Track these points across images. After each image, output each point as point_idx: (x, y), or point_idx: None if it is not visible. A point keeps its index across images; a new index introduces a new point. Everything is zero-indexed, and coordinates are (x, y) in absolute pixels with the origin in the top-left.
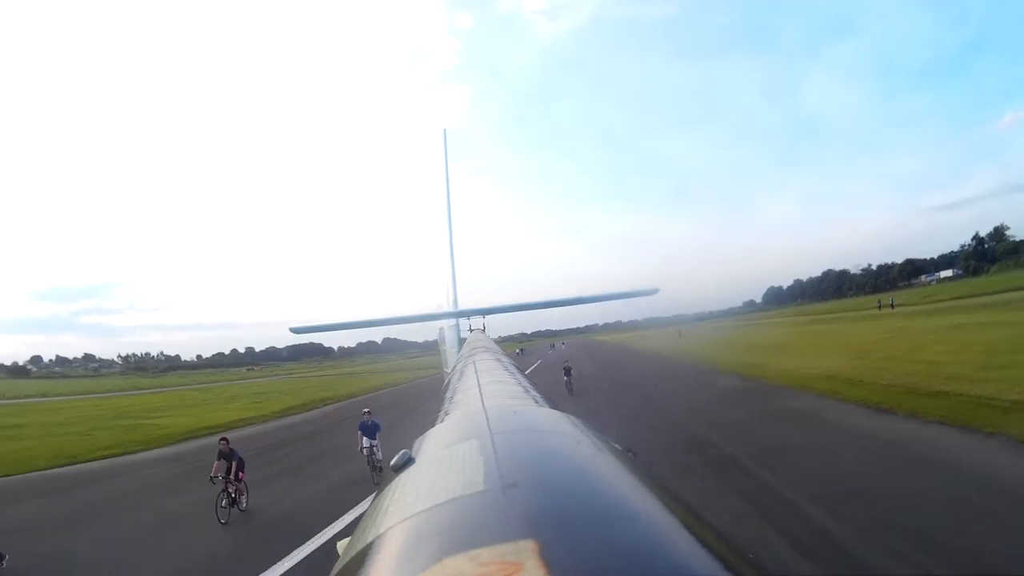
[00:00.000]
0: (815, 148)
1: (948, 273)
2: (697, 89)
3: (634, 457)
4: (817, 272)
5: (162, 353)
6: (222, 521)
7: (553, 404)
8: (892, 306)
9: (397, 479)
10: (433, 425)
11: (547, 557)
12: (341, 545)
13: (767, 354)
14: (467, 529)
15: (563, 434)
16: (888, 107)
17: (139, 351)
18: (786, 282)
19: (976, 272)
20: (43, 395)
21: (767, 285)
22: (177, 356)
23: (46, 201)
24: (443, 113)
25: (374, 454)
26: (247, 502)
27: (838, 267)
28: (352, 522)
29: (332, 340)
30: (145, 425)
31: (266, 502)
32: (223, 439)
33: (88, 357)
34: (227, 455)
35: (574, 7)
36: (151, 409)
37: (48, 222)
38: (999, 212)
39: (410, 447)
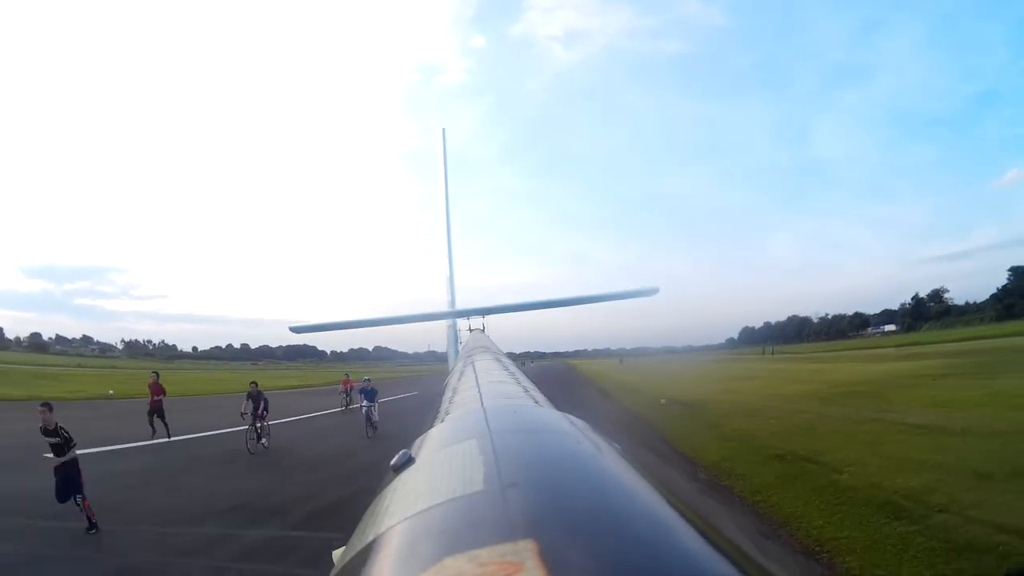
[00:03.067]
0: (816, 193)
1: (892, 327)
2: (703, 127)
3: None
4: (793, 315)
5: (163, 342)
6: (251, 452)
7: (553, 404)
8: (772, 352)
9: (397, 479)
10: (433, 425)
11: (547, 557)
12: (336, 555)
13: (633, 375)
14: (467, 529)
15: (563, 434)
16: (891, 157)
17: (132, 337)
18: (759, 323)
19: (911, 328)
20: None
21: (747, 324)
22: (174, 346)
23: (50, 179)
24: (447, 127)
25: (371, 413)
26: (268, 443)
27: (820, 313)
28: (348, 530)
29: (326, 344)
30: None
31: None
32: (253, 383)
33: (86, 339)
34: (255, 396)
35: (589, 37)
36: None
37: (50, 199)
38: (994, 267)
39: (410, 447)
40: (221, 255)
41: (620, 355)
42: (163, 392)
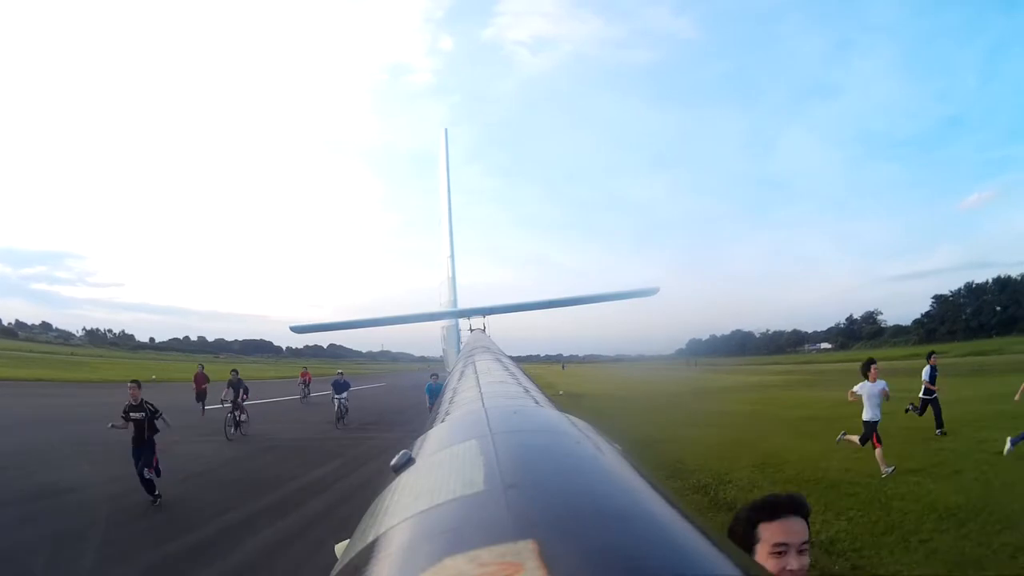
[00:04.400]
0: (778, 206)
1: (827, 345)
2: (669, 137)
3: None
4: (737, 329)
5: (124, 331)
6: (229, 438)
7: (553, 404)
8: (695, 364)
9: (397, 479)
10: (433, 425)
11: (547, 557)
12: (339, 548)
13: (562, 375)
14: (467, 529)
15: (563, 434)
16: (856, 174)
17: (87, 326)
18: (707, 335)
19: (844, 347)
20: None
21: (703, 335)
22: (132, 336)
23: (8, 160)
24: (414, 126)
25: (342, 405)
26: (246, 429)
27: (762, 328)
28: (350, 524)
29: (281, 341)
30: None
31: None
32: (233, 371)
33: (46, 325)
34: (235, 384)
35: (556, 44)
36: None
37: (8, 181)
38: (954, 288)
39: (410, 447)
40: (179, 245)
41: (568, 360)
42: (207, 380)
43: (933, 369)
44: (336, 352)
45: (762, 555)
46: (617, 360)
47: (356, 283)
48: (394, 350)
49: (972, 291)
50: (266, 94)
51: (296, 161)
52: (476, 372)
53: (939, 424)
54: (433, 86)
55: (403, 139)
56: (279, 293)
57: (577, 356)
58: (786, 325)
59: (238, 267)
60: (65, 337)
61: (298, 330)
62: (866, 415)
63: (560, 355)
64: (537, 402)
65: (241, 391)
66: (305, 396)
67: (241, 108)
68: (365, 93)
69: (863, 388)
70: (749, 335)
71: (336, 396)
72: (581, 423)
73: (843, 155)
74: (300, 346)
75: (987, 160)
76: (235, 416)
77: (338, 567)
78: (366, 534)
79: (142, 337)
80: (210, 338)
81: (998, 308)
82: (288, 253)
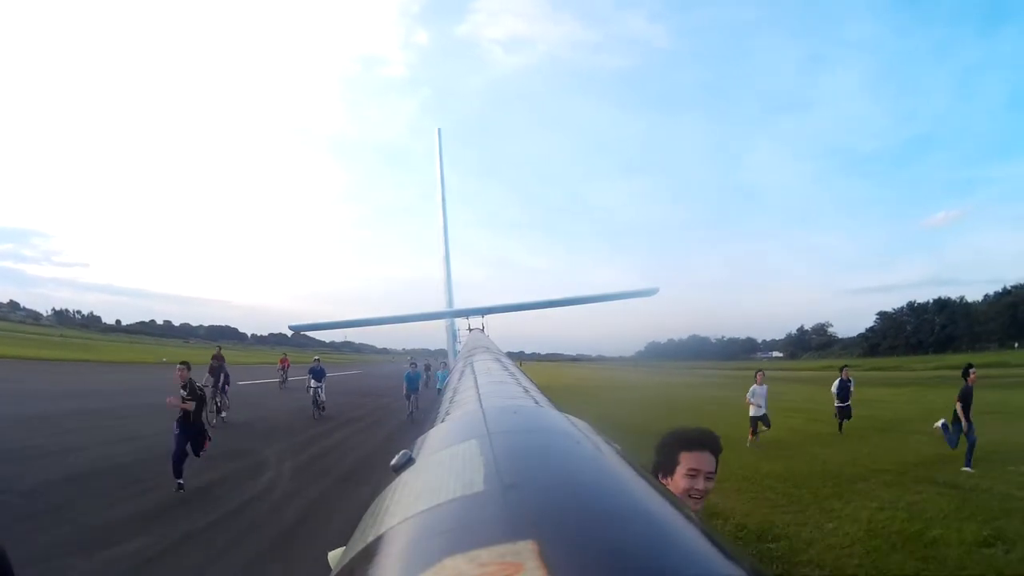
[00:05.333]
0: (744, 215)
1: (779, 354)
2: (639, 141)
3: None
4: (695, 334)
5: (92, 312)
6: (211, 424)
7: (553, 404)
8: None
9: (397, 479)
10: (433, 425)
11: (547, 557)
12: (332, 556)
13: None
14: (467, 529)
15: (562, 434)
16: (823, 187)
17: (51, 305)
18: (666, 339)
19: (793, 356)
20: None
21: (662, 338)
22: (99, 318)
23: None
24: (385, 118)
25: (318, 394)
26: (227, 415)
27: (718, 335)
28: (344, 532)
29: (246, 328)
30: None
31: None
32: (215, 356)
33: (13, 304)
34: (217, 369)
35: (531, 44)
36: None
37: None
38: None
39: (410, 447)
40: (143, 227)
41: (529, 358)
42: (223, 361)
43: (843, 382)
44: (300, 341)
45: (677, 476)
46: (575, 360)
47: (321, 271)
48: (356, 341)
49: (914, 309)
50: (235, 78)
51: (262, 147)
52: (475, 372)
53: (839, 426)
54: (406, 79)
55: (373, 130)
56: (243, 279)
57: (539, 354)
58: (744, 332)
59: (202, 251)
60: (34, 317)
61: (296, 328)
62: (752, 412)
63: (521, 352)
64: (536, 402)
65: (223, 376)
66: (284, 381)
67: (209, 90)
68: (336, 82)
69: (757, 392)
70: (706, 340)
71: (313, 384)
72: (581, 423)
73: (811, 168)
74: (265, 333)
75: (955, 180)
76: (216, 403)
77: (338, 566)
78: (366, 534)
79: (108, 319)
80: (176, 322)
81: (937, 327)
82: (252, 239)
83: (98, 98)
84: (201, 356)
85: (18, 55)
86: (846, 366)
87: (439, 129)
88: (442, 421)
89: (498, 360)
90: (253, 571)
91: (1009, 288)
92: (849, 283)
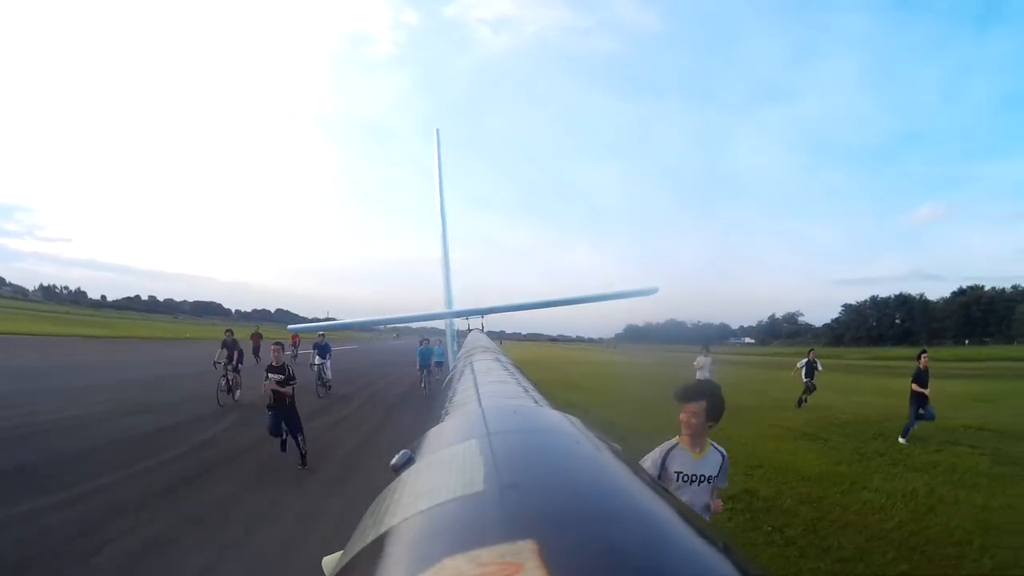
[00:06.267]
0: (726, 201)
1: (750, 340)
2: (625, 124)
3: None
4: (671, 319)
5: (80, 288)
6: (220, 404)
7: (553, 404)
8: (614, 348)
9: (397, 479)
10: (433, 425)
11: (547, 557)
12: (327, 562)
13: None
14: (467, 529)
15: (562, 434)
16: (807, 178)
17: (36, 280)
18: (643, 322)
19: (764, 343)
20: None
21: (640, 321)
22: (84, 293)
23: None
24: (372, 103)
25: (324, 371)
26: (240, 395)
27: (694, 320)
28: (339, 537)
29: (233, 304)
30: None
31: None
32: (228, 331)
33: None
34: (230, 345)
35: (519, 25)
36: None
37: None
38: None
39: (410, 447)
40: (127, 201)
41: (510, 337)
42: (261, 338)
43: (810, 363)
44: (283, 317)
45: (682, 416)
46: (555, 340)
47: (305, 248)
48: (340, 318)
49: (876, 304)
50: (222, 53)
51: (248, 124)
52: (475, 372)
53: (801, 400)
54: (395, 58)
55: (360, 108)
56: (226, 256)
57: (520, 333)
58: (720, 318)
59: (185, 228)
60: (22, 293)
61: (294, 330)
62: (703, 372)
63: (502, 332)
64: (536, 402)
65: (236, 354)
66: (295, 357)
67: (195, 65)
68: (325, 60)
69: (701, 361)
70: (681, 325)
71: (318, 361)
72: (580, 423)
73: (796, 158)
74: (249, 310)
75: (941, 176)
76: (228, 380)
77: (339, 566)
78: (366, 533)
79: (93, 295)
80: (160, 298)
81: (897, 321)
82: (235, 216)
83: (83, 73)
84: (196, 332)
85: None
86: (812, 349)
87: (437, 130)
88: (442, 421)
89: (498, 360)
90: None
91: (964, 288)
92: (831, 274)
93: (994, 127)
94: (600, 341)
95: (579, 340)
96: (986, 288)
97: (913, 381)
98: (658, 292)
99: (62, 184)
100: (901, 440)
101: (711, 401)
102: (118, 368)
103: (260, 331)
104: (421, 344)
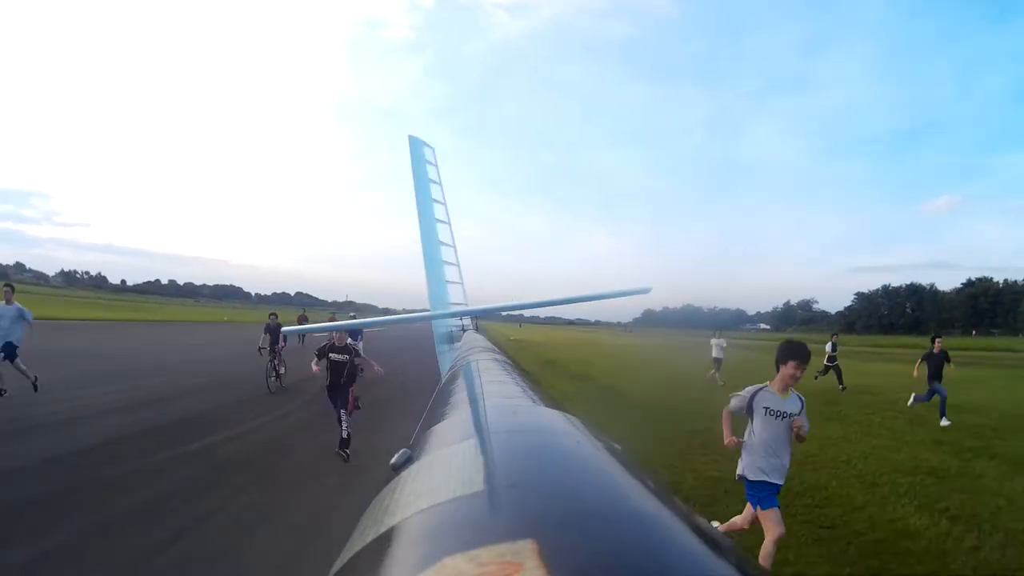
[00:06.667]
0: (743, 189)
1: (766, 326)
2: (640, 111)
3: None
4: (688, 304)
5: (100, 273)
6: (271, 391)
7: (553, 404)
8: (629, 330)
9: (397, 479)
10: (433, 425)
11: (547, 557)
12: None
13: (508, 331)
14: (467, 529)
15: (563, 434)
16: (823, 165)
17: (54, 266)
18: (660, 307)
19: (778, 329)
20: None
21: (658, 306)
22: (104, 278)
23: None
24: (388, 87)
25: (356, 353)
26: (286, 381)
27: (710, 305)
28: (335, 541)
29: (250, 287)
30: None
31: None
32: (272, 314)
33: (19, 266)
34: (274, 330)
35: (535, 9)
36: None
37: None
38: (908, 281)
39: (409, 446)
40: (143, 185)
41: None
42: (307, 322)
43: (834, 345)
44: (302, 300)
45: (785, 370)
46: (571, 324)
47: (318, 231)
48: (359, 300)
49: (888, 293)
50: (236, 36)
51: (263, 107)
52: (475, 371)
53: (840, 382)
54: (410, 42)
55: (375, 93)
56: (244, 239)
57: (538, 317)
58: (736, 304)
59: (202, 212)
60: (44, 279)
61: (288, 332)
62: (715, 351)
63: (520, 315)
64: (536, 401)
65: (281, 338)
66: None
67: (208, 46)
68: (340, 44)
69: (714, 342)
70: (698, 310)
71: (350, 342)
72: (580, 422)
73: (812, 146)
74: (268, 293)
75: (958, 166)
76: (274, 366)
77: (338, 565)
78: (366, 533)
79: (113, 279)
80: (180, 281)
81: (908, 310)
82: (252, 199)
83: (99, 58)
84: (211, 315)
85: (13, 18)
86: (836, 334)
87: (432, 146)
88: (442, 420)
89: (497, 359)
90: None
91: (973, 280)
92: (848, 262)
93: (1011, 119)
94: (618, 325)
95: (597, 324)
96: (997, 280)
97: (922, 358)
98: (651, 291)
99: (79, 169)
100: (911, 401)
101: (808, 363)
102: (195, 348)
103: (306, 314)
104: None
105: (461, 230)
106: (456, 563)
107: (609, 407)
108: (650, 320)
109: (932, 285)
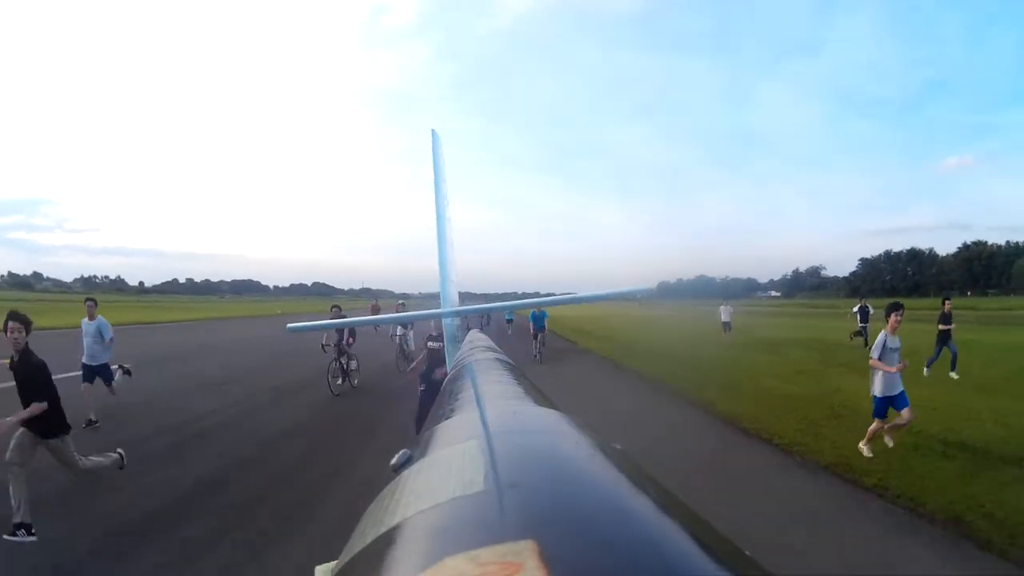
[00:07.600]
0: (755, 157)
1: (776, 293)
2: (650, 84)
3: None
4: (702, 275)
5: (119, 276)
6: (335, 393)
7: (553, 404)
8: (640, 302)
9: (397, 479)
10: (433, 425)
11: (547, 557)
12: (320, 572)
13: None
14: (467, 529)
15: (563, 434)
16: (833, 130)
17: (68, 272)
18: (674, 279)
19: (789, 295)
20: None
21: (672, 278)
22: (124, 281)
23: None
24: (396, 70)
25: (406, 342)
26: (358, 380)
27: (723, 275)
28: (333, 545)
29: (269, 280)
30: None
31: None
32: (335, 306)
33: (37, 276)
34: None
35: None
36: None
37: None
38: (925, 244)
39: (409, 447)
40: (148, 184)
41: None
42: (379, 310)
43: (863, 308)
44: (320, 290)
45: (893, 319)
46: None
47: (330, 220)
48: (374, 287)
49: (890, 258)
50: (237, 31)
51: (268, 101)
52: (475, 371)
53: (866, 342)
54: (417, 25)
55: (385, 77)
56: (255, 231)
57: (554, 292)
58: (747, 273)
59: (208, 205)
60: (63, 286)
61: (294, 329)
62: (724, 316)
63: (536, 293)
64: (536, 401)
65: (346, 333)
66: (376, 328)
67: (208, 39)
68: (348, 31)
69: (723, 309)
70: (711, 280)
71: (399, 332)
72: (581, 422)
73: (821, 111)
74: (286, 285)
75: (969, 125)
76: (341, 364)
77: (339, 565)
78: (366, 533)
79: (131, 281)
80: (197, 279)
81: (909, 273)
82: (262, 189)
83: (99, 58)
84: (287, 308)
85: (19, 22)
86: (863, 298)
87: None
88: (442, 420)
89: (497, 359)
90: None
91: (968, 244)
92: (863, 224)
93: (1022, 74)
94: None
95: (607, 296)
96: (992, 244)
97: (939, 322)
98: (653, 288)
99: (84, 173)
100: (925, 371)
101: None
102: (273, 341)
103: (378, 304)
104: (536, 309)
105: (474, 212)
106: (456, 563)
107: (624, 351)
108: (665, 291)
109: (931, 249)
